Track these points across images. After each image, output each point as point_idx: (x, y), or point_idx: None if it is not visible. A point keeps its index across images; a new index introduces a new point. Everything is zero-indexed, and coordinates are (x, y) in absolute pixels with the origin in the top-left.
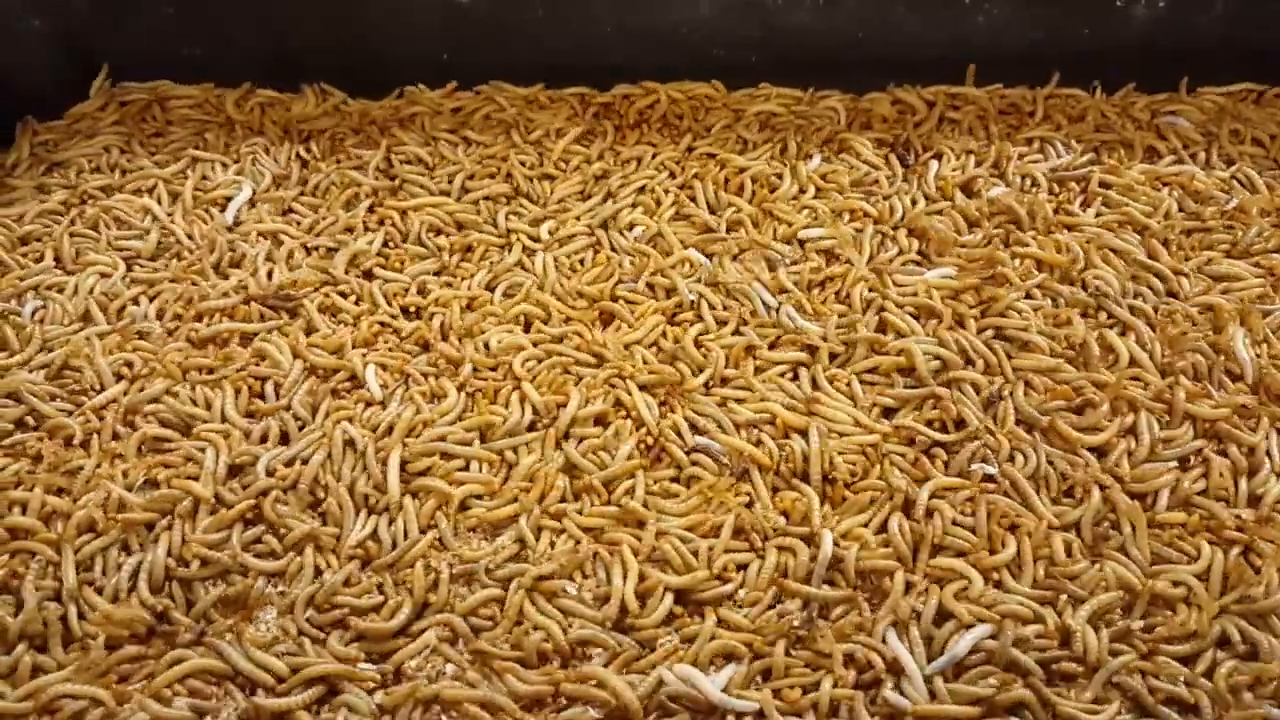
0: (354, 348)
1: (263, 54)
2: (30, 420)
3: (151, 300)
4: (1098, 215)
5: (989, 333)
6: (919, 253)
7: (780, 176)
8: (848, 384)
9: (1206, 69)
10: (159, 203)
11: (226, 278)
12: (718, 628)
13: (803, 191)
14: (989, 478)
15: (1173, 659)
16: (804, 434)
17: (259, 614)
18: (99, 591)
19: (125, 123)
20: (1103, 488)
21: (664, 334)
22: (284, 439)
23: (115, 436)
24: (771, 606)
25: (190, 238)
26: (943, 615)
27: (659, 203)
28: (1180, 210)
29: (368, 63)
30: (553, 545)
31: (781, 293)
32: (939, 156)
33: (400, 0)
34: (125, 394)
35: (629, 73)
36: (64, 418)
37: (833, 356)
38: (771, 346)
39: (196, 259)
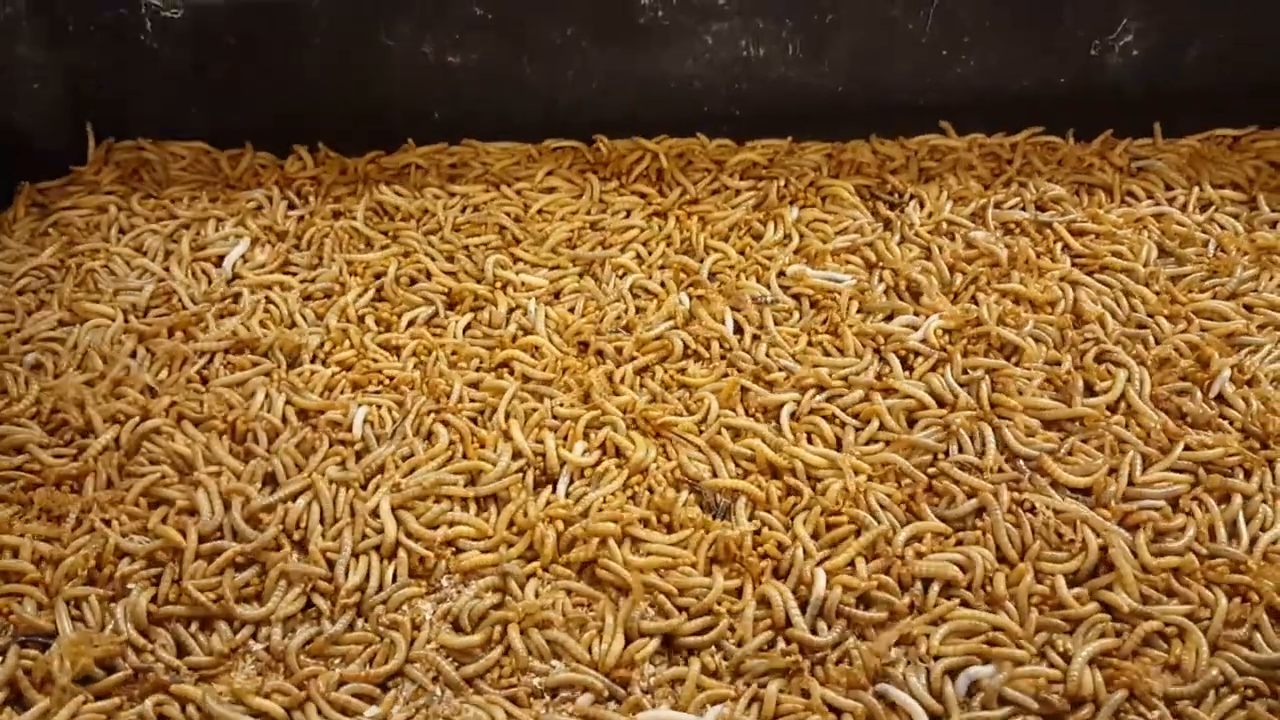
0: (343, 393)
1: (263, 114)
2: (27, 468)
3: (147, 351)
4: (1076, 258)
5: (979, 371)
6: (910, 292)
7: (764, 223)
8: (837, 424)
9: (1181, 114)
10: (155, 259)
11: (221, 328)
12: (703, 675)
13: (788, 238)
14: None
15: (1175, 698)
16: (792, 473)
17: (240, 661)
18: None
19: (122, 182)
20: (1097, 534)
21: (652, 375)
22: (270, 480)
23: (110, 483)
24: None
25: (187, 290)
26: (938, 656)
27: (650, 251)
28: (1162, 254)
29: (361, 122)
30: (537, 594)
31: (762, 328)
32: (920, 203)
33: (393, 59)
34: (117, 440)
35: (616, 127)
36: (60, 464)
37: (820, 389)
38: (757, 384)
39: (192, 312)
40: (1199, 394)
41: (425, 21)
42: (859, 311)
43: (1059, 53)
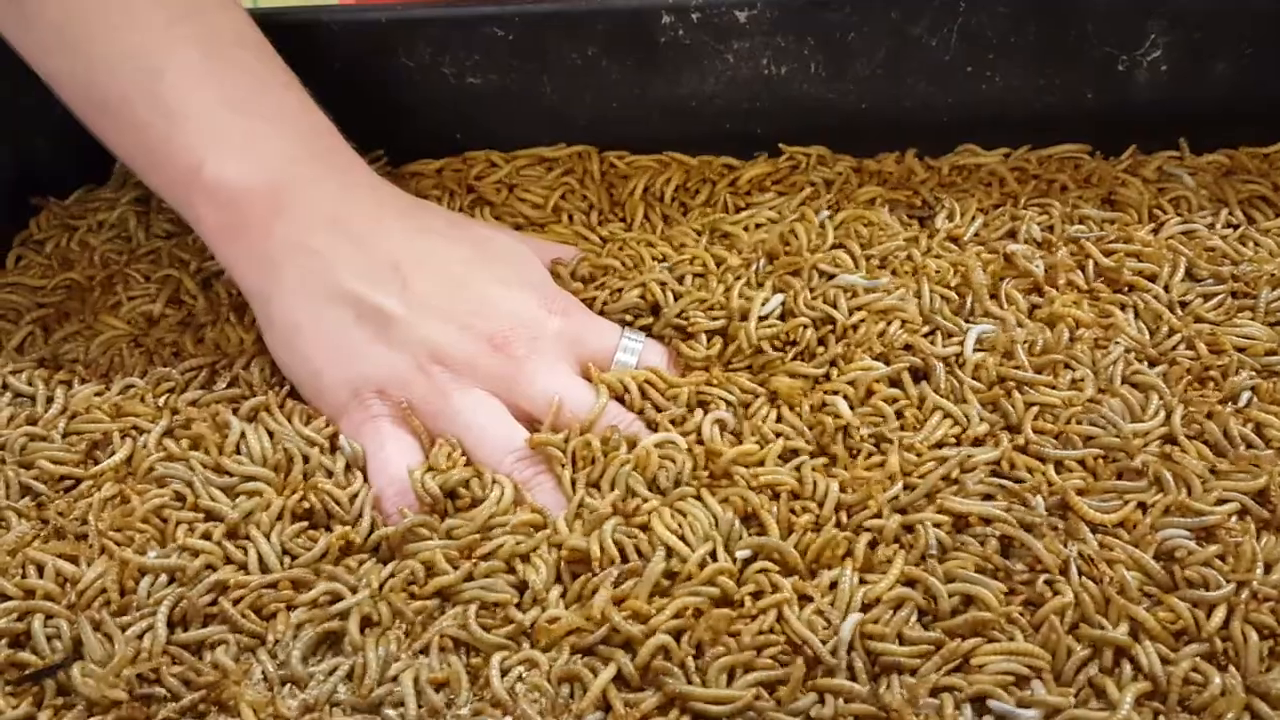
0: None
1: None
2: (42, 485)
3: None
4: (1104, 276)
5: (1009, 396)
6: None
7: (794, 233)
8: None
9: (1210, 130)
10: (174, 269)
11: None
12: None
13: (821, 248)
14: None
15: None
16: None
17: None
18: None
19: (142, 201)
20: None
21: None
22: None
23: (125, 499)
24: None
25: (195, 299)
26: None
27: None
28: (1190, 272)
29: (380, 142)
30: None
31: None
32: (949, 217)
33: (412, 77)
34: (133, 455)
35: (637, 148)
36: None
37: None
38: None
39: (202, 318)
40: (1230, 419)
41: (444, 42)
42: (903, 325)
43: (1084, 69)
